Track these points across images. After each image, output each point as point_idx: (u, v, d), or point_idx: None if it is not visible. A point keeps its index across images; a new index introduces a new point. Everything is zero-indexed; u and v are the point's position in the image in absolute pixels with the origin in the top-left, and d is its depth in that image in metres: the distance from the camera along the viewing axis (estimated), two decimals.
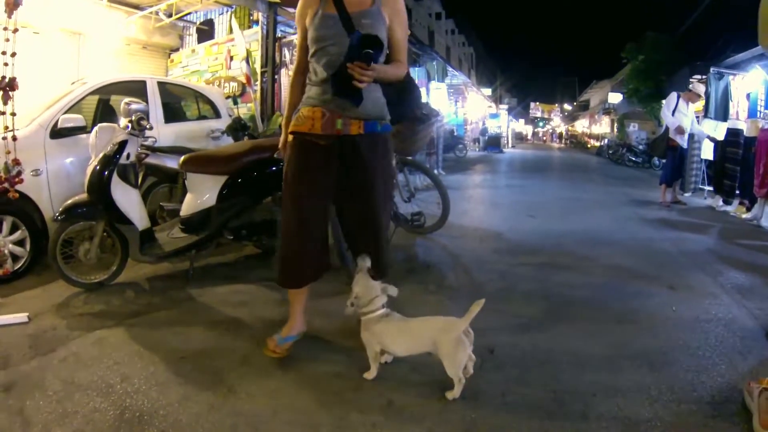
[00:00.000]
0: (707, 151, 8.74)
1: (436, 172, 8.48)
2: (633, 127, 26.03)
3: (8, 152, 3.07)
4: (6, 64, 2.90)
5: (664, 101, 7.95)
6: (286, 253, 2.45)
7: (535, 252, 4.67)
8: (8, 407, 2.11)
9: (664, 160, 8.58)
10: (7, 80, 2.92)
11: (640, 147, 19.04)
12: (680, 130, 7.50)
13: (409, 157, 4.90)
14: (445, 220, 5.05)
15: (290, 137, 2.39)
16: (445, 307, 3.28)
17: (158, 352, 2.59)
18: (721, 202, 7.68)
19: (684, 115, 7.60)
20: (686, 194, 8.78)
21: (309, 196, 2.36)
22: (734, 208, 7.21)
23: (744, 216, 6.82)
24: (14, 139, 3.08)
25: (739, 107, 9.32)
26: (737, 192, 7.30)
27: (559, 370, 2.44)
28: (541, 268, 4.15)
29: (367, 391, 2.21)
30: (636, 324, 3.02)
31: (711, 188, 8.62)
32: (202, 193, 3.79)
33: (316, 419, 2.03)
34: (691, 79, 7.83)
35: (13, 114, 3.01)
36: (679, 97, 7.61)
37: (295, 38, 2.31)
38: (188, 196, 3.85)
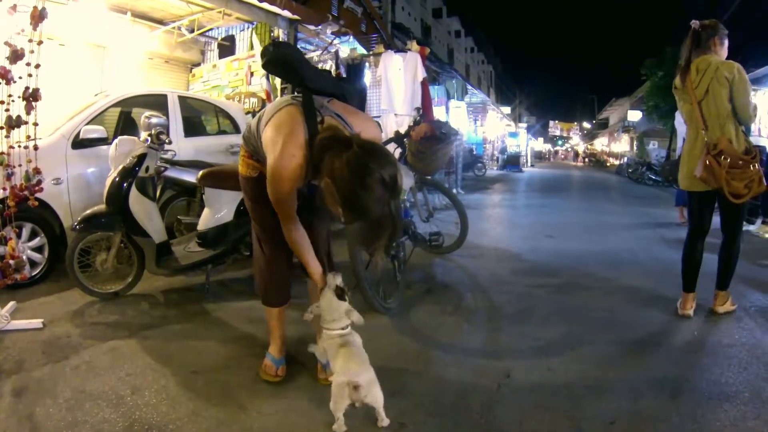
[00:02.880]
0: None
1: (455, 191, 8.42)
2: (653, 145, 25.73)
3: (29, 161, 3.11)
4: (30, 75, 2.95)
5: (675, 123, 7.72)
6: (272, 275, 2.48)
7: (555, 273, 4.59)
8: (18, 412, 2.12)
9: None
10: (30, 91, 2.96)
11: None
12: None
13: (428, 177, 4.87)
14: (463, 240, 5.01)
15: (255, 173, 2.33)
16: (462, 329, 3.23)
17: (170, 365, 2.58)
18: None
19: None
20: None
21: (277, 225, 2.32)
22: (757, 228, 7.00)
23: (767, 236, 6.63)
24: (35, 148, 3.12)
25: (761, 123, 9.05)
26: (760, 211, 7.10)
27: (578, 395, 2.36)
28: (560, 289, 4.08)
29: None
30: (657, 348, 2.93)
31: None
32: (219, 209, 3.82)
33: None
34: None
35: (35, 124, 3.06)
36: None
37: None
38: (206, 211, 3.88)
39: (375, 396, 2.01)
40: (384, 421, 2.05)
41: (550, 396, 2.36)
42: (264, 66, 2.33)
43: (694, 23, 3.28)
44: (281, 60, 2.27)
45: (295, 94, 2.21)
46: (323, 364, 2.41)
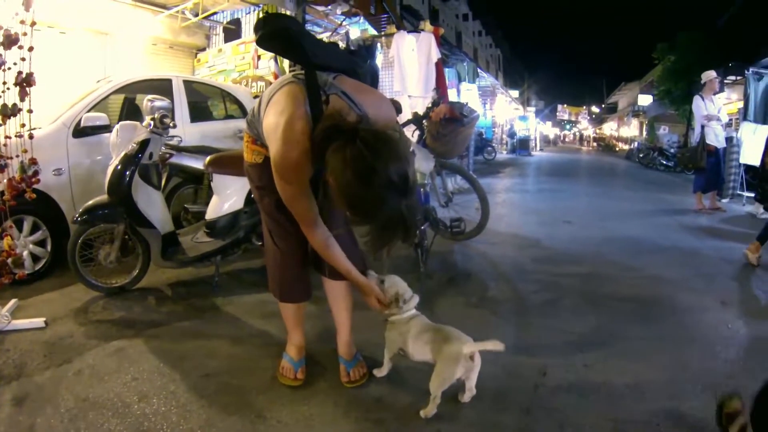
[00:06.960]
0: (749, 156, 8.25)
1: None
2: (663, 130, 25.42)
3: (25, 151, 2.92)
4: (23, 59, 2.75)
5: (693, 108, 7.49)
6: (289, 269, 2.26)
7: (577, 261, 4.41)
8: (18, 423, 1.96)
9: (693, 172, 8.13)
10: (24, 75, 2.76)
11: (672, 150, 18.42)
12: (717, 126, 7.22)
13: (446, 160, 4.65)
14: (484, 226, 4.78)
15: (260, 159, 2.07)
16: (490, 323, 3.06)
17: (180, 368, 2.41)
18: (762, 209, 7.24)
19: (716, 110, 7.25)
20: (724, 200, 8.35)
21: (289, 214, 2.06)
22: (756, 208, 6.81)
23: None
24: (31, 137, 2.92)
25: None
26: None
27: (618, 395, 2.22)
28: (584, 278, 3.90)
29: (413, 420, 2.00)
30: (693, 343, 2.78)
31: (751, 194, 8.21)
32: (229, 196, 3.64)
33: None
34: (701, 76, 7.49)
35: (30, 111, 2.85)
36: (702, 98, 7.24)
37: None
38: (214, 199, 3.70)
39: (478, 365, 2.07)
40: (472, 390, 2.10)
41: (590, 396, 2.21)
42: (258, 42, 2.00)
43: None
44: (277, 33, 1.94)
45: (297, 70, 1.94)
46: (347, 365, 2.29)
